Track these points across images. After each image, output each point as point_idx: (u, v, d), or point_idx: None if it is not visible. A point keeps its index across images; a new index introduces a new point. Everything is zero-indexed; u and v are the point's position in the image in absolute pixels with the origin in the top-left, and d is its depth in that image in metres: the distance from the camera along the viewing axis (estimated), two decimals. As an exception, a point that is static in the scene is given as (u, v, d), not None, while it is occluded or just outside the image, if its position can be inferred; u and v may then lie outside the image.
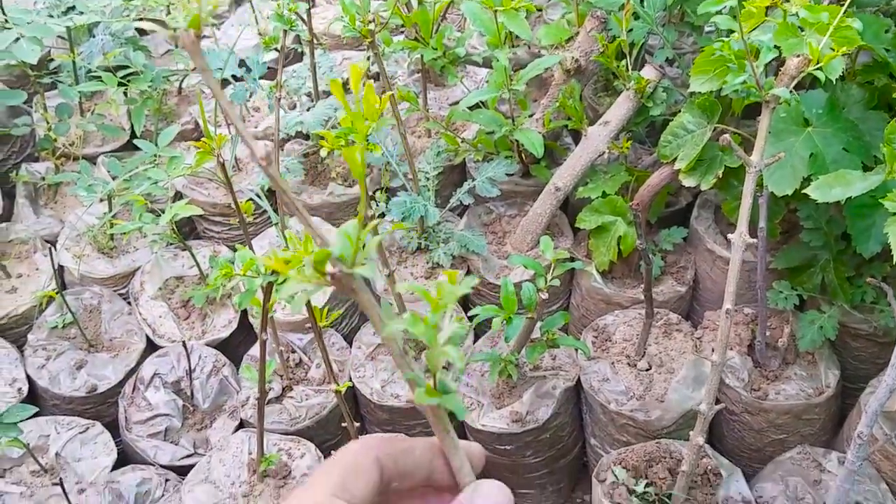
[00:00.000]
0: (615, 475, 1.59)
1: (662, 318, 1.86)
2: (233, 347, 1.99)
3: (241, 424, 1.83)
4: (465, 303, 2.06)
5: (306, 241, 1.22)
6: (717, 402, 1.45)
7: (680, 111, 1.70)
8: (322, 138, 1.37)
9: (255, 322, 1.94)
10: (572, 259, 1.90)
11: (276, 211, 1.97)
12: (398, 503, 0.58)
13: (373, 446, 0.55)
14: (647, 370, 1.79)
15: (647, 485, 1.57)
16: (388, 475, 0.55)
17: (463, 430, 1.91)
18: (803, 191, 1.34)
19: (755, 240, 1.33)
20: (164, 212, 1.67)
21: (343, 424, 1.53)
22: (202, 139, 1.43)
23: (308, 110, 2.07)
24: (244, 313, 2.01)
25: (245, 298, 1.28)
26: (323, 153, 1.41)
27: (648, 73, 1.83)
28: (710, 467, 1.59)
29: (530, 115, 1.98)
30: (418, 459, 0.57)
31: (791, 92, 1.27)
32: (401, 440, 0.57)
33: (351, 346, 1.94)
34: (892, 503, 1.52)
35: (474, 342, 1.90)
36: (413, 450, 0.57)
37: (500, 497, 0.55)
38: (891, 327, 1.64)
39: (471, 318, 1.86)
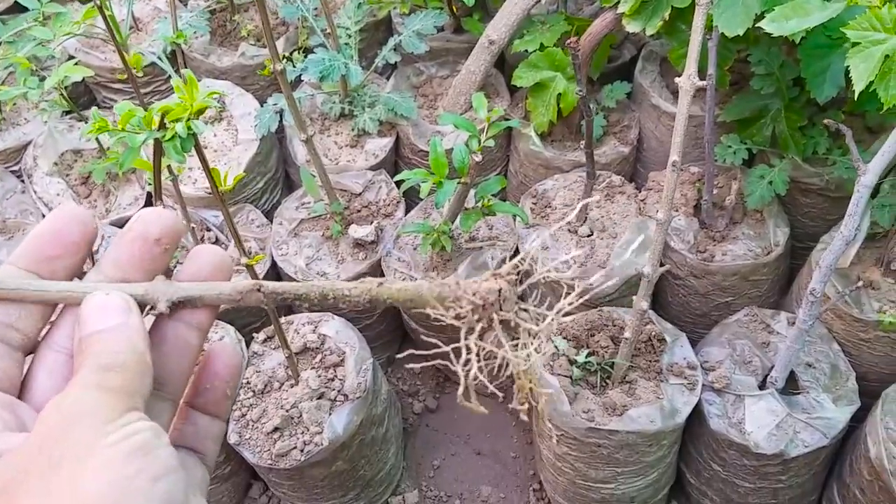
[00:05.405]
0: (555, 346, 1.50)
1: (605, 180, 1.74)
2: (142, 227, 1.82)
3: (153, 307, 1.68)
4: (394, 170, 1.91)
5: (191, 84, 1.03)
6: (662, 264, 1.35)
7: (623, -52, 1.53)
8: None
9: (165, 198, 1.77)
10: (508, 119, 1.75)
11: (178, 74, 1.77)
12: None
13: None
14: (589, 236, 1.68)
15: (588, 354, 1.49)
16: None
17: (397, 308, 1.80)
18: (757, 24, 1.20)
19: (704, 82, 1.20)
20: (54, 77, 1.48)
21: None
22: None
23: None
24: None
25: (127, 158, 1.11)
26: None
27: None
28: (653, 333, 1.51)
29: (460, -40, 1.79)
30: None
31: None
32: None
33: (272, 223, 1.78)
34: (844, 364, 1.45)
35: (405, 214, 1.77)
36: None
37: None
38: (844, 179, 1.54)
39: (398, 185, 1.72)
